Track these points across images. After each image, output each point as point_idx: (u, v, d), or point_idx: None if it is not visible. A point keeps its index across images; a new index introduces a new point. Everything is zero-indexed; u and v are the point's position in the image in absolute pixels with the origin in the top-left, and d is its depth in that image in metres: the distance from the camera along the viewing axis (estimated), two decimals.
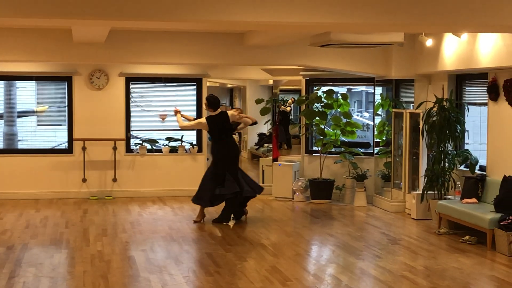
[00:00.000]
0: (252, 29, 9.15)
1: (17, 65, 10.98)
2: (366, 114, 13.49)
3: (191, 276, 6.70)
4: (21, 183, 11.24)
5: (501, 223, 7.56)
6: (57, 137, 11.77)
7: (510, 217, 7.52)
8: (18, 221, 9.36)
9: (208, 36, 10.32)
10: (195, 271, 6.94)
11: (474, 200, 8.54)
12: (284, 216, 10.03)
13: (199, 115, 11.66)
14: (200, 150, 11.84)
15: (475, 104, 9.48)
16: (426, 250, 7.78)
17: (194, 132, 11.85)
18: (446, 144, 9.17)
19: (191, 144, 11.91)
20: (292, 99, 12.82)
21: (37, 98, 11.80)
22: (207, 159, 11.48)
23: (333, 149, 11.31)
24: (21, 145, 11.71)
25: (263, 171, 12.08)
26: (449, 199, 9.04)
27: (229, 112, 9.47)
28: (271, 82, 12.48)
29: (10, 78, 11.44)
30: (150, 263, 7.07)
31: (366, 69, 10.69)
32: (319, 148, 11.26)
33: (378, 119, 11.12)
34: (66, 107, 11.50)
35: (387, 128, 10.87)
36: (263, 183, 11.94)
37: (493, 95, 8.67)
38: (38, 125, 11.96)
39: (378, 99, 11.09)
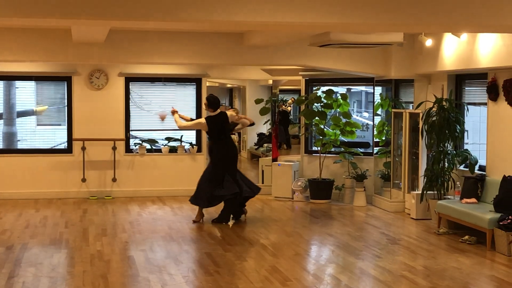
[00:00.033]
0: (252, 29, 9.15)
1: (16, 65, 10.98)
2: (365, 114, 13.50)
3: (191, 276, 6.70)
4: (21, 183, 11.24)
5: (501, 223, 7.56)
6: (57, 137, 11.77)
7: (510, 217, 7.53)
8: (18, 221, 9.36)
9: (208, 36, 10.32)
10: (194, 271, 6.94)
11: (473, 200, 8.55)
12: (284, 216, 10.03)
13: (198, 115, 11.66)
14: (199, 150, 11.84)
15: (474, 104, 9.48)
16: (426, 250, 7.78)
17: (193, 132, 11.84)
18: (446, 144, 9.17)
19: (191, 144, 11.91)
20: (292, 99, 12.82)
21: (37, 98, 11.80)
22: (207, 159, 11.47)
23: (332, 149, 11.31)
24: (20, 145, 11.71)
25: (262, 171, 12.09)
26: (449, 199, 9.04)
27: (228, 113, 9.47)
28: (270, 82, 12.48)
29: (9, 78, 11.44)
30: (149, 263, 7.07)
31: (365, 69, 10.69)
32: (319, 148, 11.26)
33: (377, 119, 11.12)
34: (66, 107, 11.50)
35: (386, 128, 10.87)
36: (262, 183, 11.95)
37: (493, 95, 8.67)
38: (38, 125, 11.96)
39: (377, 99, 11.09)
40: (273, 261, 7.20)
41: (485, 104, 9.01)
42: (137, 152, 11.69)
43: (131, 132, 11.77)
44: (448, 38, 9.18)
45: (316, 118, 11.13)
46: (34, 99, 11.79)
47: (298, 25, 6.01)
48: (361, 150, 11.28)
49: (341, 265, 7.15)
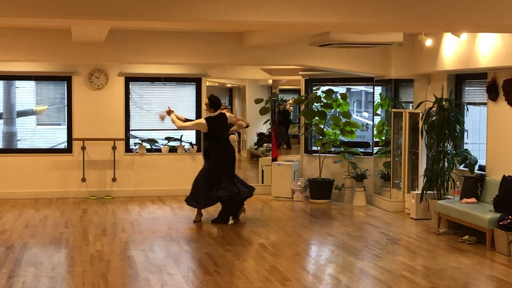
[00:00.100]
0: (252, 29, 9.15)
1: (16, 64, 10.98)
2: (365, 114, 13.49)
3: (191, 276, 6.70)
4: (21, 183, 11.24)
5: (501, 223, 7.56)
6: (57, 136, 11.77)
7: (510, 216, 7.53)
8: (18, 220, 9.36)
9: (208, 36, 10.32)
10: (194, 271, 6.94)
11: (473, 200, 8.55)
12: (284, 216, 10.03)
13: (198, 115, 11.66)
14: (199, 150, 11.82)
15: (474, 104, 9.48)
16: (426, 250, 7.78)
17: (193, 132, 11.84)
18: (446, 144, 9.17)
19: (191, 143, 11.91)
20: (293, 99, 12.82)
21: (37, 98, 11.80)
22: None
23: (332, 149, 11.31)
24: (20, 145, 11.71)
25: (262, 171, 12.08)
26: (449, 199, 9.05)
27: (227, 114, 9.46)
28: (270, 82, 12.48)
29: (9, 77, 11.44)
30: (149, 263, 7.07)
31: (365, 69, 10.69)
32: (319, 148, 11.26)
33: (377, 119, 11.12)
34: (66, 107, 11.50)
35: (386, 128, 10.87)
36: (262, 183, 11.97)
37: (493, 95, 8.67)
38: (38, 124, 11.96)
39: (377, 99, 11.09)
40: (273, 261, 7.20)
41: (485, 104, 9.01)
42: (137, 152, 11.70)
43: (131, 132, 11.77)
44: (448, 38, 9.18)
45: (316, 118, 11.13)
46: (34, 99, 11.80)
47: (298, 25, 6.01)
48: (361, 150, 11.29)
49: (341, 265, 7.15)
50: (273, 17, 5.58)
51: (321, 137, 11.17)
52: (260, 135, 13.97)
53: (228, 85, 14.77)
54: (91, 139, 11.34)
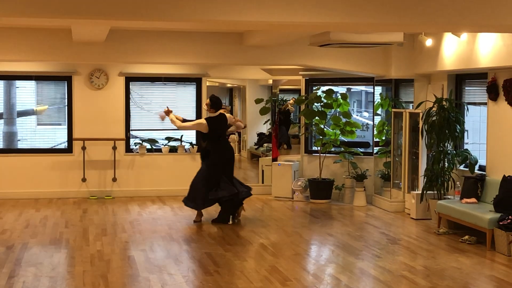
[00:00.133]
0: (252, 28, 9.15)
1: (16, 64, 10.98)
2: (365, 114, 13.49)
3: (191, 276, 6.70)
4: (21, 183, 11.25)
5: (501, 223, 7.56)
6: (57, 136, 11.77)
7: (510, 217, 7.53)
8: (18, 220, 9.36)
9: (208, 36, 10.33)
10: (194, 271, 6.94)
11: (473, 200, 8.55)
12: (284, 215, 10.03)
13: (198, 115, 11.66)
14: (199, 150, 11.82)
15: (474, 104, 9.48)
16: (426, 250, 7.78)
17: (193, 132, 11.84)
18: (446, 144, 9.17)
19: (191, 143, 11.91)
20: (293, 99, 12.82)
21: (37, 98, 11.80)
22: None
23: (332, 149, 11.31)
24: (20, 145, 11.71)
25: (262, 171, 12.08)
26: (449, 199, 9.05)
27: (227, 115, 9.45)
28: (270, 81, 12.48)
29: (9, 77, 11.44)
30: (149, 263, 7.07)
31: (365, 69, 10.69)
32: (319, 148, 11.26)
33: (377, 119, 11.12)
34: (66, 107, 11.50)
35: (386, 128, 10.87)
36: (262, 183, 11.97)
37: (493, 95, 8.67)
38: (38, 124, 11.97)
39: (377, 98, 11.09)
40: (273, 261, 7.20)
41: (485, 104, 9.01)
42: (137, 152, 11.70)
43: (131, 132, 11.77)
44: (448, 38, 9.18)
45: (316, 118, 11.13)
46: (35, 99, 11.80)
47: (298, 25, 6.01)
48: (361, 150, 11.29)
49: (341, 265, 7.15)
50: (273, 17, 5.58)
51: (321, 137, 11.17)
52: (260, 135, 13.97)
53: (229, 85, 14.77)
54: (91, 139, 11.34)
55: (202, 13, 5.48)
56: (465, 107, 9.45)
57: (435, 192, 9.22)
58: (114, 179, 11.51)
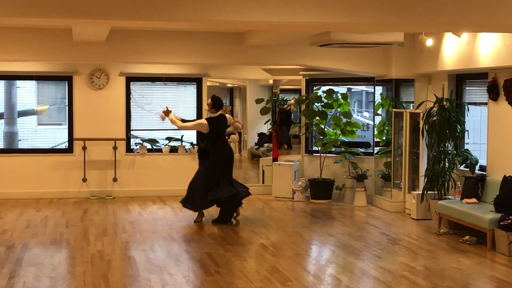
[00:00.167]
0: (252, 28, 9.15)
1: (17, 64, 10.99)
2: (366, 114, 13.49)
3: (191, 276, 6.70)
4: (22, 183, 11.25)
5: (501, 223, 7.56)
6: (58, 136, 11.78)
7: (510, 217, 7.52)
8: (19, 220, 9.36)
9: (208, 36, 10.33)
10: (195, 271, 6.95)
11: (474, 200, 8.55)
12: (284, 216, 10.03)
13: (199, 115, 11.66)
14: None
15: (475, 104, 9.48)
16: (426, 250, 7.78)
17: (194, 132, 11.84)
18: (446, 144, 9.17)
19: (191, 143, 11.91)
20: (294, 99, 12.82)
21: (38, 98, 11.81)
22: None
23: (333, 149, 11.31)
24: (21, 145, 11.72)
25: (263, 171, 12.08)
26: (449, 199, 9.04)
27: (227, 115, 9.45)
28: (271, 81, 12.48)
29: (10, 77, 11.45)
30: (150, 263, 7.07)
31: (366, 69, 10.69)
32: (319, 148, 11.26)
33: (378, 119, 11.12)
34: (67, 107, 11.51)
35: (387, 128, 10.87)
36: (263, 183, 11.97)
37: (493, 95, 8.67)
38: (39, 124, 11.98)
39: (378, 98, 11.10)
40: (273, 261, 7.20)
41: (485, 104, 9.01)
42: (138, 152, 11.70)
43: (131, 132, 11.77)
44: (449, 38, 9.18)
45: (317, 118, 11.13)
46: (35, 99, 11.81)
47: (299, 24, 6.01)
48: (362, 150, 11.29)
49: (342, 265, 7.15)
50: (273, 17, 5.58)
51: (321, 137, 11.17)
52: (260, 135, 13.97)
53: (229, 85, 14.76)
54: (92, 139, 11.35)
55: (202, 13, 5.48)
56: (466, 107, 9.45)
57: (436, 192, 9.22)
58: (115, 179, 11.51)
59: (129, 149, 11.68)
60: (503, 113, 8.55)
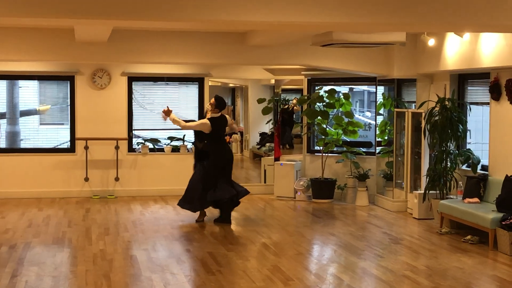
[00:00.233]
0: (254, 28, 9.15)
1: (19, 64, 11.00)
2: (368, 114, 13.50)
3: (193, 275, 6.71)
4: (24, 182, 11.26)
5: (503, 223, 7.56)
6: (60, 136, 11.79)
7: None
8: (21, 220, 9.38)
9: (210, 36, 10.33)
10: (196, 270, 6.95)
11: (476, 199, 8.55)
12: (286, 215, 10.04)
13: (201, 115, 11.67)
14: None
15: (477, 103, 9.48)
16: (428, 250, 7.78)
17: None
18: (448, 144, 9.17)
19: (193, 143, 11.90)
20: (296, 98, 12.84)
21: (40, 98, 11.83)
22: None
23: (335, 149, 11.32)
24: (23, 144, 11.74)
25: (265, 171, 12.09)
26: (451, 198, 9.04)
27: (227, 116, 9.45)
28: (273, 81, 12.48)
29: (12, 77, 11.46)
30: (152, 262, 7.08)
31: (368, 69, 10.69)
32: (321, 148, 11.27)
33: (380, 119, 11.12)
34: (69, 107, 11.52)
35: (389, 127, 10.87)
36: (265, 182, 11.97)
37: (495, 94, 8.66)
38: (41, 124, 11.99)
39: (380, 98, 11.10)
40: (275, 261, 7.21)
41: (487, 103, 9.00)
42: (140, 152, 11.71)
43: (133, 132, 11.78)
44: (451, 38, 9.18)
45: (319, 117, 11.13)
46: (37, 99, 11.82)
47: (301, 24, 6.01)
48: (364, 150, 11.29)
49: (343, 265, 7.16)
50: (275, 17, 5.59)
51: (323, 136, 11.17)
52: (262, 134, 13.98)
53: (231, 85, 14.78)
54: (94, 138, 11.36)
55: (204, 13, 5.49)
56: (468, 107, 9.44)
57: (438, 191, 9.22)
58: (117, 179, 11.52)
59: (131, 149, 11.69)
60: (505, 113, 8.54)
